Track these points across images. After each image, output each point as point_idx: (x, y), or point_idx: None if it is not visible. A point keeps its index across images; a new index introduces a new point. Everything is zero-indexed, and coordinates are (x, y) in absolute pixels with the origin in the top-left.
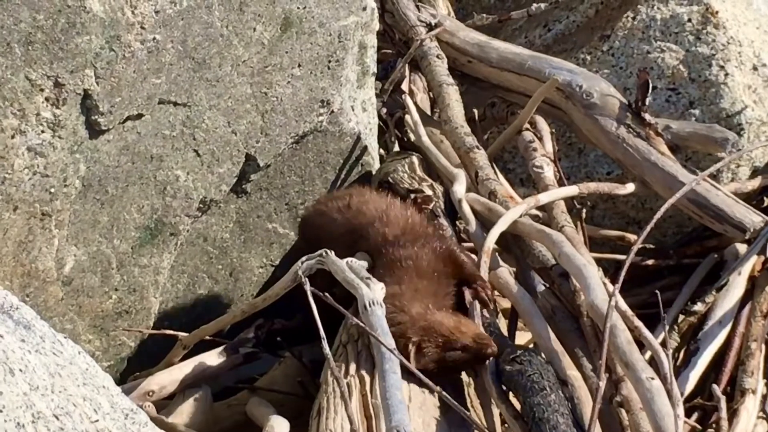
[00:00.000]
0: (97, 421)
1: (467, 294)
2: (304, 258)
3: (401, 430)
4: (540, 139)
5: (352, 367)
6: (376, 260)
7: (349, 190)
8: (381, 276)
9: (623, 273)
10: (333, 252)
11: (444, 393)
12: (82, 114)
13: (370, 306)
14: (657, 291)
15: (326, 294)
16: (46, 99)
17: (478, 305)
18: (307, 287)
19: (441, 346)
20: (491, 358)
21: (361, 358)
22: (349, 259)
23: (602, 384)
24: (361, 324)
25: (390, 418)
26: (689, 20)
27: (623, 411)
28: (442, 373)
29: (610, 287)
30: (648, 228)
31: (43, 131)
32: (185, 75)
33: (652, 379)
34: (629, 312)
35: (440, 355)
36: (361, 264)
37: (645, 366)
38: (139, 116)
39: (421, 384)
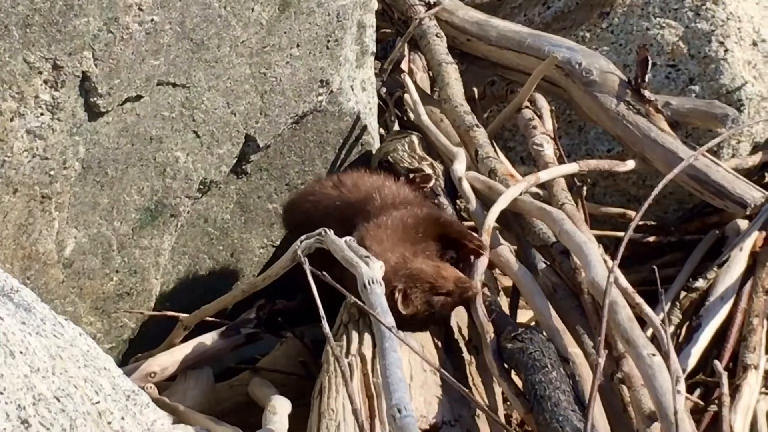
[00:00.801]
0: (98, 402)
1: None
2: (303, 237)
3: (402, 409)
4: (540, 116)
5: (354, 346)
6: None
7: (337, 173)
8: (362, 239)
9: (622, 248)
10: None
11: (443, 371)
12: (81, 96)
13: (369, 284)
14: (655, 266)
15: (324, 273)
16: (45, 81)
17: (480, 265)
18: (306, 266)
19: (427, 291)
20: (493, 337)
21: (363, 338)
22: (348, 237)
23: (602, 360)
24: (360, 303)
25: (390, 397)
26: None
27: (624, 387)
28: (429, 321)
29: (610, 263)
30: (647, 203)
31: (42, 114)
32: (184, 56)
33: (653, 355)
34: (630, 289)
35: (426, 299)
36: None
37: (646, 342)
38: (138, 98)
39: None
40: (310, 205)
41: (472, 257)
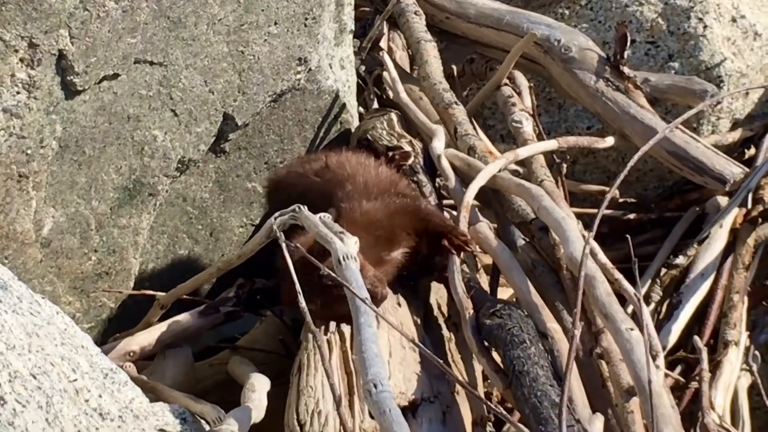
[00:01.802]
0: (75, 380)
1: (446, 245)
2: (277, 213)
3: (378, 384)
4: (519, 94)
5: (332, 323)
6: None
7: (324, 151)
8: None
9: (597, 220)
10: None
11: (422, 346)
12: (58, 74)
13: (344, 260)
14: (628, 236)
15: (298, 245)
16: (21, 60)
17: (456, 260)
18: (282, 240)
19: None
20: (471, 313)
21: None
22: (322, 214)
23: (578, 332)
24: (336, 277)
25: (366, 372)
26: None
27: (603, 363)
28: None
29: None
30: (621, 175)
31: (18, 92)
32: (161, 34)
33: (632, 329)
34: (609, 264)
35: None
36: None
37: (624, 317)
38: (115, 76)
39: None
40: (294, 183)
41: (453, 251)
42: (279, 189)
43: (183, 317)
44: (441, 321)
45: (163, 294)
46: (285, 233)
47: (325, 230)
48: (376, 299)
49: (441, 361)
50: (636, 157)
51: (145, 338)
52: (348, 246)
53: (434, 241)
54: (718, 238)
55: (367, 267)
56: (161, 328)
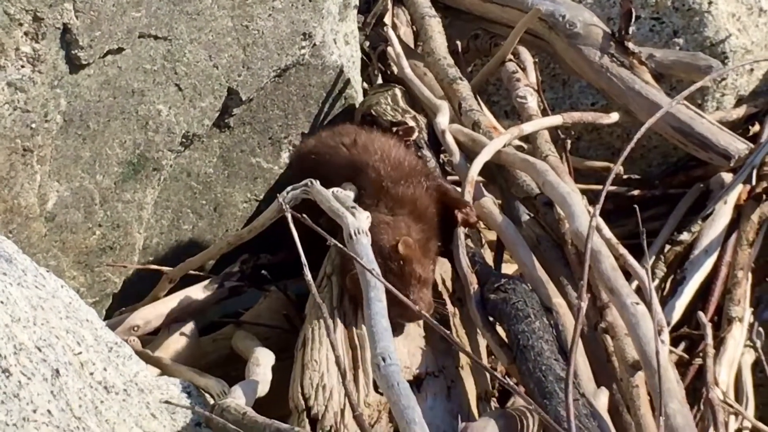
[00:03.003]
0: (80, 353)
1: (458, 216)
2: (289, 188)
3: (386, 357)
4: (523, 69)
5: (336, 298)
6: (372, 194)
7: (354, 128)
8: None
9: (603, 195)
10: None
11: (427, 316)
12: (62, 48)
13: (355, 235)
14: (636, 206)
15: (305, 216)
16: (26, 33)
17: (461, 235)
18: (289, 215)
19: (416, 268)
20: (476, 288)
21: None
22: (335, 189)
23: (584, 304)
24: (347, 250)
25: (375, 346)
26: None
27: (608, 337)
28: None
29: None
30: (627, 150)
31: (23, 66)
32: (165, 8)
33: (637, 304)
34: (614, 240)
35: (426, 255)
36: (346, 194)
37: (630, 291)
38: (120, 50)
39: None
40: (320, 157)
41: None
42: (304, 159)
43: (189, 292)
44: (446, 296)
45: (170, 269)
46: None
47: (337, 205)
48: (410, 320)
49: (448, 332)
50: (641, 131)
51: (149, 313)
52: (360, 221)
53: (449, 214)
54: (723, 214)
55: (428, 285)
56: (166, 302)
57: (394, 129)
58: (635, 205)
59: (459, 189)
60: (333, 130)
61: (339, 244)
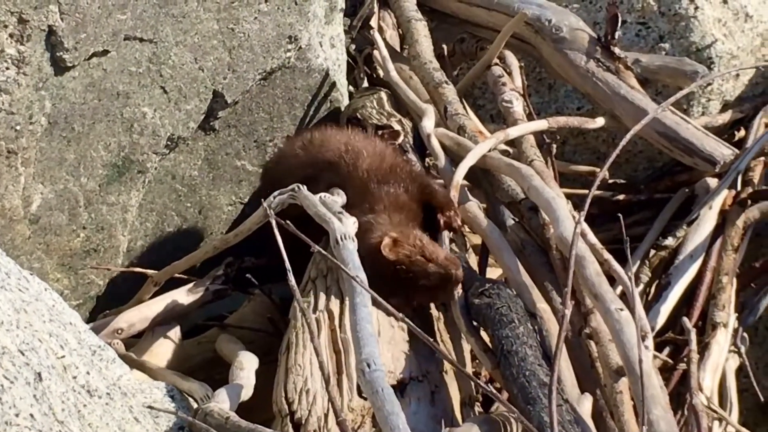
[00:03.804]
0: (63, 357)
1: (440, 220)
2: (276, 192)
3: (371, 363)
4: (509, 73)
5: (321, 302)
6: (348, 192)
7: (309, 128)
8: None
9: (588, 200)
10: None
11: (410, 322)
12: (47, 50)
13: (342, 240)
14: (620, 215)
15: (288, 222)
16: (10, 35)
17: (446, 239)
18: (273, 220)
19: (417, 250)
20: (460, 293)
21: (331, 294)
22: (323, 194)
23: (568, 311)
24: (332, 258)
25: (360, 351)
26: None
27: (592, 343)
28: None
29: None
30: (612, 157)
31: (7, 68)
32: (151, 11)
33: (621, 310)
34: (598, 245)
35: (414, 258)
36: (333, 199)
37: (614, 297)
38: (105, 53)
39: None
40: (279, 165)
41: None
42: (268, 173)
43: (173, 295)
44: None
45: (155, 271)
46: None
47: (323, 210)
48: (455, 281)
49: (431, 339)
50: (627, 137)
51: (133, 316)
52: (346, 226)
53: (432, 215)
54: (708, 219)
55: (438, 249)
56: (150, 305)
57: (380, 132)
58: (619, 213)
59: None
60: (288, 138)
61: (322, 251)
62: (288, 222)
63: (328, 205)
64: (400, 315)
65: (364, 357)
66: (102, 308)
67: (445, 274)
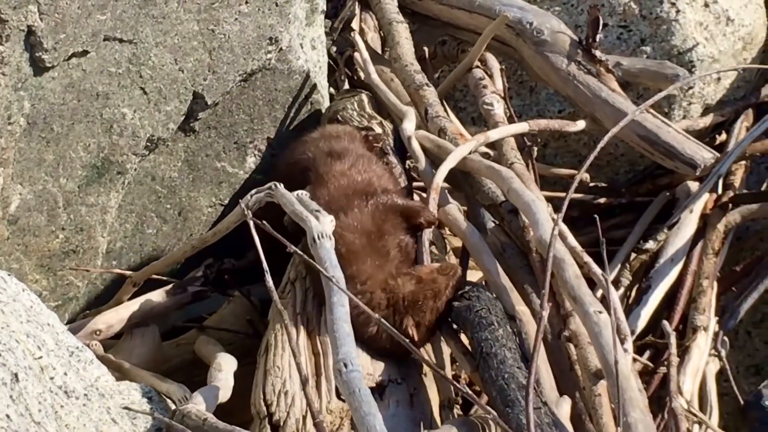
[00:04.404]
0: (41, 357)
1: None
2: (252, 191)
3: (348, 363)
4: (490, 76)
5: (300, 304)
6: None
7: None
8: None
9: (566, 202)
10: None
11: (386, 323)
12: (26, 51)
13: (318, 239)
14: (596, 216)
15: (264, 222)
16: None
17: (426, 241)
18: (250, 219)
19: (431, 303)
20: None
21: (309, 296)
22: (299, 192)
23: (545, 313)
24: (305, 257)
25: (337, 351)
26: None
27: (572, 346)
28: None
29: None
30: (591, 157)
31: None
32: (130, 11)
33: (600, 312)
34: (578, 248)
35: (432, 315)
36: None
37: (593, 300)
38: (84, 53)
39: None
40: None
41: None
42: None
43: (152, 296)
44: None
45: (133, 272)
46: None
47: (300, 208)
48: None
49: (407, 340)
50: (605, 139)
51: (112, 317)
52: (323, 224)
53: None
54: (689, 223)
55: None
56: (128, 306)
57: (363, 134)
58: (601, 216)
59: (424, 195)
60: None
61: (299, 252)
62: (264, 222)
63: (305, 203)
64: (377, 316)
65: (341, 357)
66: (81, 309)
67: (457, 282)
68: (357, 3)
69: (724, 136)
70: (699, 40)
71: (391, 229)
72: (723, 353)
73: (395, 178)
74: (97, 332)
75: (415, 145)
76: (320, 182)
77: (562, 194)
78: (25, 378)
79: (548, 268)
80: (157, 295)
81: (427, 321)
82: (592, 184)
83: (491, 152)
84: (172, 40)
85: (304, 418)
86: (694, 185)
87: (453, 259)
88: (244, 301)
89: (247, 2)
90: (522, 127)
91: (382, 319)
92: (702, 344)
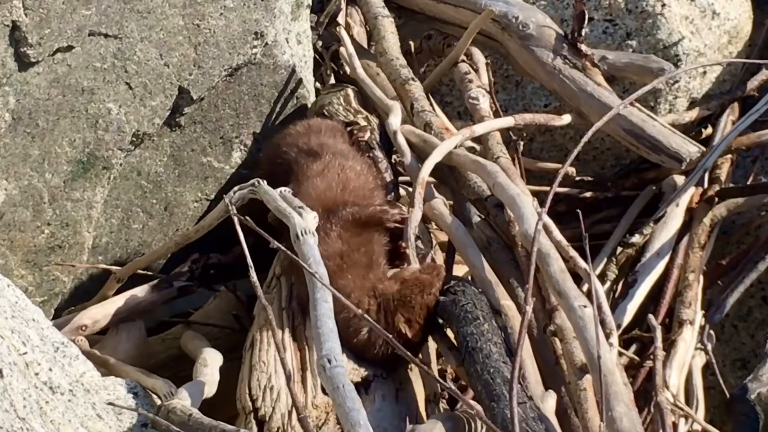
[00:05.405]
0: (25, 353)
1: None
2: (236, 187)
3: (332, 359)
4: (476, 70)
5: (285, 299)
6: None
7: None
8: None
9: (551, 196)
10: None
11: (371, 320)
12: (11, 46)
13: (302, 235)
14: (579, 211)
15: (247, 218)
16: None
17: (411, 236)
18: (234, 215)
19: (420, 298)
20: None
21: (294, 291)
22: (282, 188)
23: (529, 308)
24: (289, 253)
25: (321, 347)
26: None
27: (557, 340)
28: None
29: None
30: (575, 151)
31: None
32: (115, 6)
33: (585, 306)
34: (564, 242)
35: (422, 311)
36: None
37: (578, 294)
38: (69, 48)
39: None
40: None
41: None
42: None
43: (138, 291)
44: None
45: (119, 268)
46: None
47: (284, 205)
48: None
49: (391, 336)
50: (590, 132)
51: (97, 312)
52: (307, 221)
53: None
54: (674, 217)
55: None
56: (114, 302)
57: (348, 129)
58: (587, 210)
59: (410, 189)
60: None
61: (282, 247)
62: (247, 218)
63: (288, 200)
64: (360, 311)
65: (325, 353)
66: (67, 305)
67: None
68: None
69: (709, 129)
70: (685, 33)
71: (364, 240)
72: (709, 347)
73: (376, 174)
74: (83, 328)
75: (401, 140)
76: (298, 183)
77: (547, 188)
78: (9, 374)
79: (532, 262)
80: (143, 291)
81: (418, 317)
82: (578, 178)
83: (477, 146)
84: (157, 35)
85: (290, 413)
86: (680, 179)
87: (439, 254)
88: (230, 296)
89: None
90: (508, 121)
91: (370, 319)
92: (688, 338)
